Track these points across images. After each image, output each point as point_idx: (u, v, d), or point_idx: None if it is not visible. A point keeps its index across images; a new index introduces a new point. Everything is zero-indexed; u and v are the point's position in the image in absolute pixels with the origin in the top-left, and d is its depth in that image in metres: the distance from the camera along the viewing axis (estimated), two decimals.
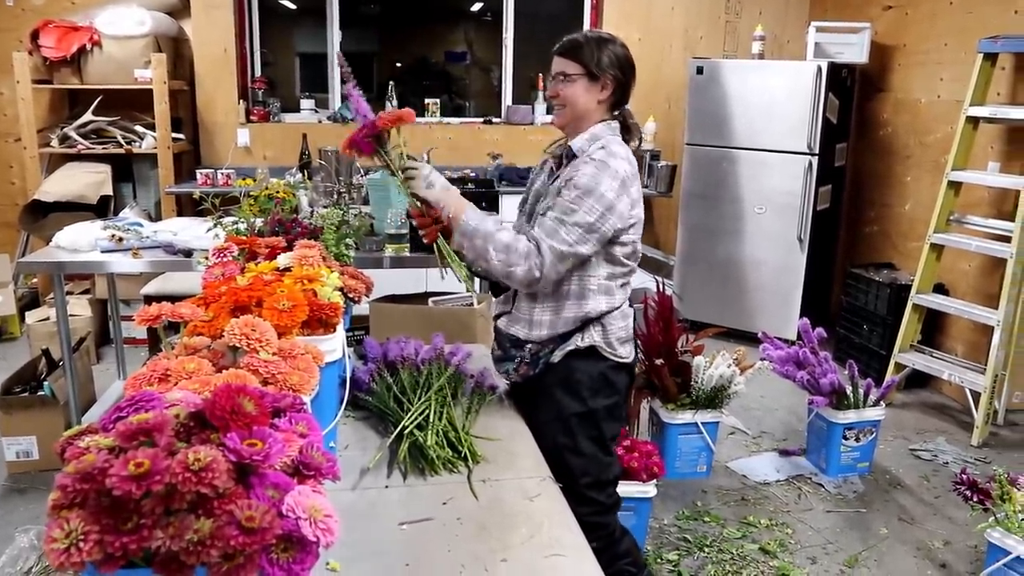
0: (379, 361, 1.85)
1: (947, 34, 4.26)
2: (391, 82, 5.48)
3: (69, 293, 4.31)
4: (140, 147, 4.72)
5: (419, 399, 1.70)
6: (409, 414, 1.65)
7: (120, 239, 3.07)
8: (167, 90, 4.62)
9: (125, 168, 4.91)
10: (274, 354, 1.16)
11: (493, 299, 2.06)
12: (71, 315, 3.80)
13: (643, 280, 3.98)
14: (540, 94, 5.43)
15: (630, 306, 1.95)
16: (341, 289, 1.51)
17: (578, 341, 1.85)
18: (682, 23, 5.41)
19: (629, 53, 1.88)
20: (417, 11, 7.52)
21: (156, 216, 4.71)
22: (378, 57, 7.69)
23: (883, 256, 4.77)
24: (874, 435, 3.28)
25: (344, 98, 5.41)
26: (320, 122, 5.28)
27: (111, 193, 4.65)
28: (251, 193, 2.38)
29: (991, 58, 3.74)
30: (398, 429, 1.63)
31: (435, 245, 1.82)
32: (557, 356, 1.86)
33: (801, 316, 3.82)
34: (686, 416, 3.09)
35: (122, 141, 4.71)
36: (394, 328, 2.33)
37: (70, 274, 4.16)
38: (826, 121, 4.56)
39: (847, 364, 3.34)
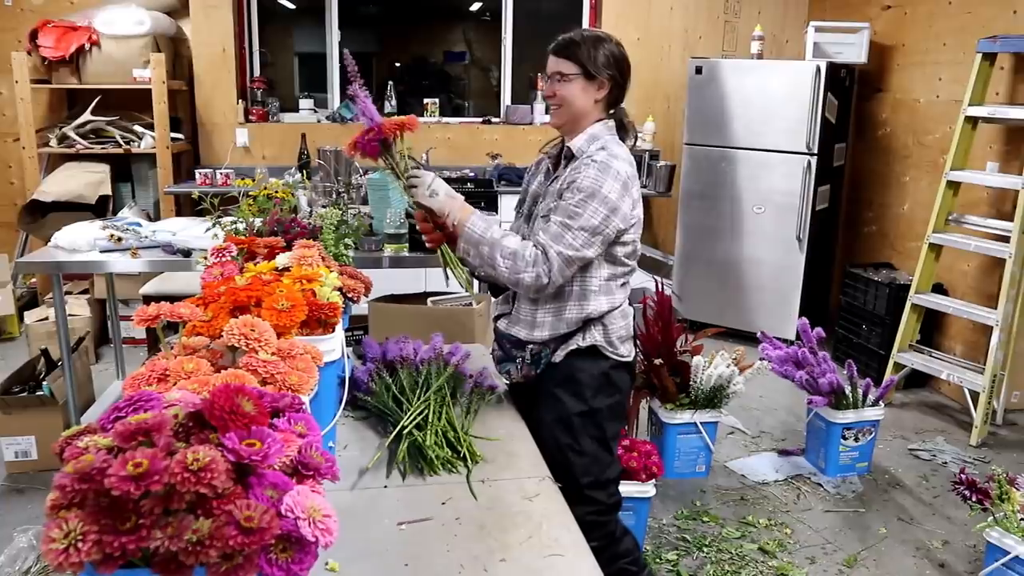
0: (378, 361, 1.85)
1: (946, 34, 4.26)
2: (390, 82, 5.49)
3: (68, 293, 4.31)
4: (139, 147, 4.72)
5: (418, 399, 1.70)
6: (408, 414, 1.65)
7: (119, 239, 3.07)
8: (166, 90, 4.62)
9: (124, 168, 4.91)
10: (273, 354, 1.16)
11: (492, 300, 2.06)
12: (70, 315, 3.80)
13: (642, 280, 3.98)
14: (539, 94, 5.43)
15: (630, 305, 1.95)
16: (340, 289, 1.51)
17: (579, 341, 1.85)
18: (681, 23, 5.41)
19: (625, 52, 1.87)
20: (416, 11, 7.52)
21: (155, 216, 4.70)
22: (377, 57, 7.69)
23: (882, 256, 4.77)
24: (873, 435, 3.28)
25: (349, 99, 5.41)
26: (319, 122, 5.28)
27: (110, 193, 4.64)
28: (250, 193, 2.38)
29: (990, 58, 3.74)
30: (397, 429, 1.63)
31: (439, 251, 1.82)
32: (558, 356, 1.87)
33: (800, 316, 3.82)
34: (685, 416, 3.10)
35: (121, 141, 4.71)
36: (393, 328, 2.33)
37: (69, 274, 4.15)
38: (825, 121, 4.56)
39: (846, 364, 3.34)
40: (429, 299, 2.83)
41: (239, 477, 0.81)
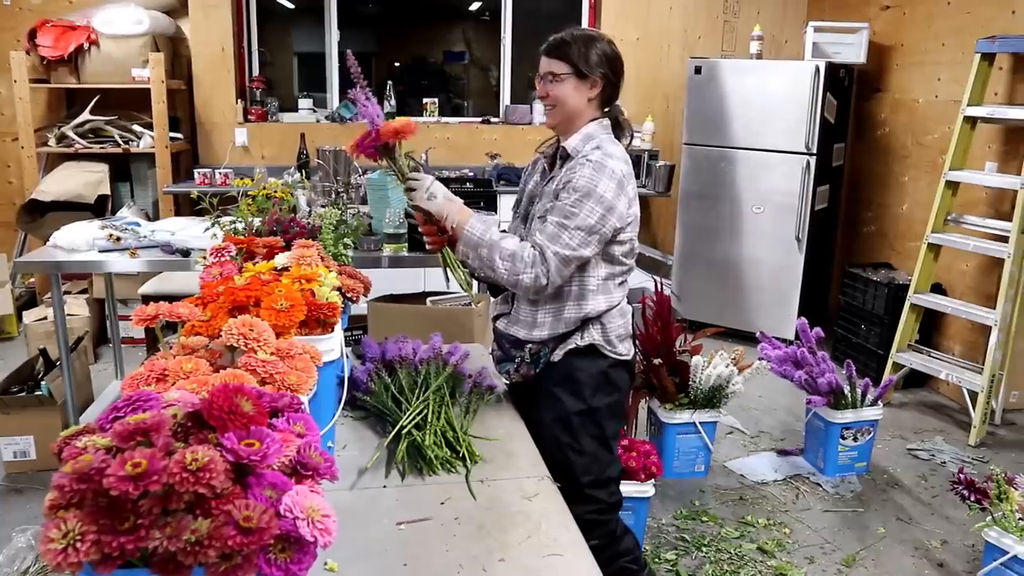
0: (377, 361, 1.85)
1: (945, 34, 4.27)
2: (389, 82, 5.48)
3: (67, 293, 4.31)
4: (138, 146, 4.72)
5: (417, 399, 1.70)
6: (407, 414, 1.65)
7: (118, 239, 3.07)
8: (165, 89, 4.62)
9: (123, 167, 4.91)
10: (272, 354, 1.16)
11: (492, 300, 2.06)
12: (69, 315, 3.79)
13: (641, 280, 3.98)
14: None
15: (629, 304, 1.95)
16: (339, 289, 1.51)
17: (578, 340, 1.85)
18: (680, 23, 5.41)
19: (617, 50, 1.87)
20: (415, 11, 7.52)
21: (154, 216, 4.70)
22: (376, 57, 7.69)
23: (881, 256, 4.78)
24: (872, 435, 3.28)
25: (349, 99, 5.40)
26: (318, 122, 5.28)
27: (109, 192, 4.64)
28: (249, 193, 2.37)
29: (989, 58, 3.75)
30: (396, 429, 1.63)
31: (440, 253, 1.83)
32: (557, 355, 1.87)
33: (799, 316, 3.82)
34: (684, 416, 3.10)
35: (120, 140, 4.71)
36: (392, 328, 2.33)
37: (68, 274, 4.15)
38: (824, 121, 4.56)
39: (845, 364, 3.34)
40: (428, 299, 2.83)
41: (238, 477, 0.81)
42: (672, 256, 5.16)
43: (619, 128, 1.90)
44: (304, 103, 5.41)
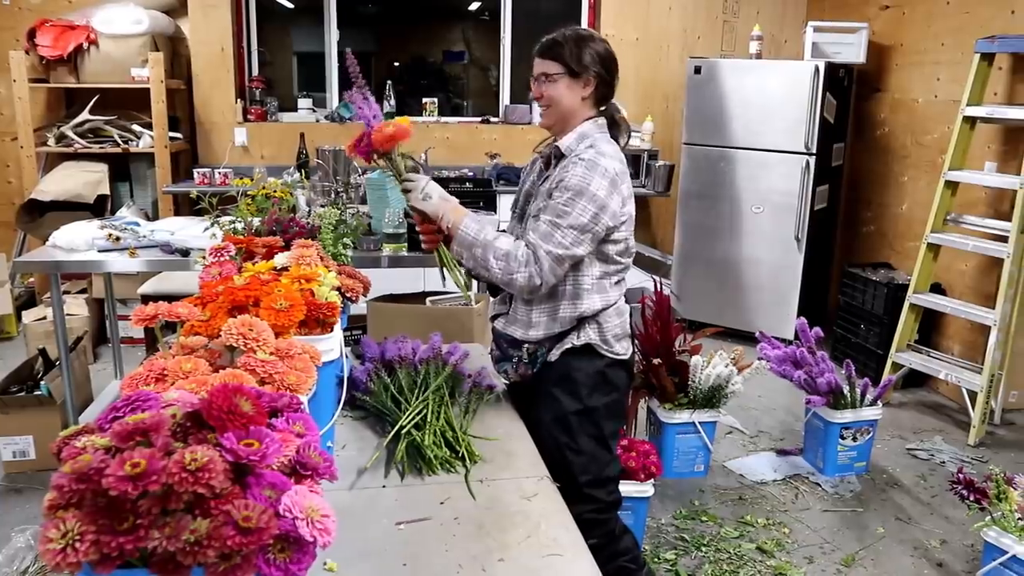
0: (377, 361, 1.85)
1: (944, 34, 4.27)
2: (389, 81, 5.48)
3: (66, 292, 4.30)
4: (137, 146, 4.71)
5: (417, 399, 1.70)
6: (407, 414, 1.65)
7: (117, 238, 3.06)
8: (164, 89, 4.61)
9: (122, 167, 4.91)
10: (271, 354, 1.16)
11: (491, 299, 2.06)
12: (68, 314, 3.79)
13: (641, 280, 3.98)
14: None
15: (626, 303, 1.95)
16: (338, 288, 1.51)
17: (574, 339, 1.85)
18: (680, 23, 5.41)
19: (610, 48, 1.87)
20: (415, 10, 7.52)
21: (153, 215, 4.70)
22: (376, 56, 7.69)
23: (880, 256, 4.78)
24: (871, 434, 3.28)
25: (349, 101, 5.39)
26: (318, 121, 5.28)
27: (108, 192, 4.64)
28: (248, 192, 2.37)
29: (988, 58, 3.75)
30: (396, 429, 1.63)
31: (436, 252, 1.83)
32: (554, 355, 1.87)
33: (798, 316, 3.82)
34: (684, 416, 3.10)
35: (119, 140, 4.70)
36: (392, 328, 2.33)
37: (67, 273, 4.15)
38: (823, 121, 4.56)
39: (844, 364, 3.34)
40: (428, 299, 2.83)
41: (237, 477, 0.81)
42: (671, 256, 5.16)
43: (615, 126, 1.90)
44: (303, 103, 5.41)
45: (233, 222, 2.21)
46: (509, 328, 1.91)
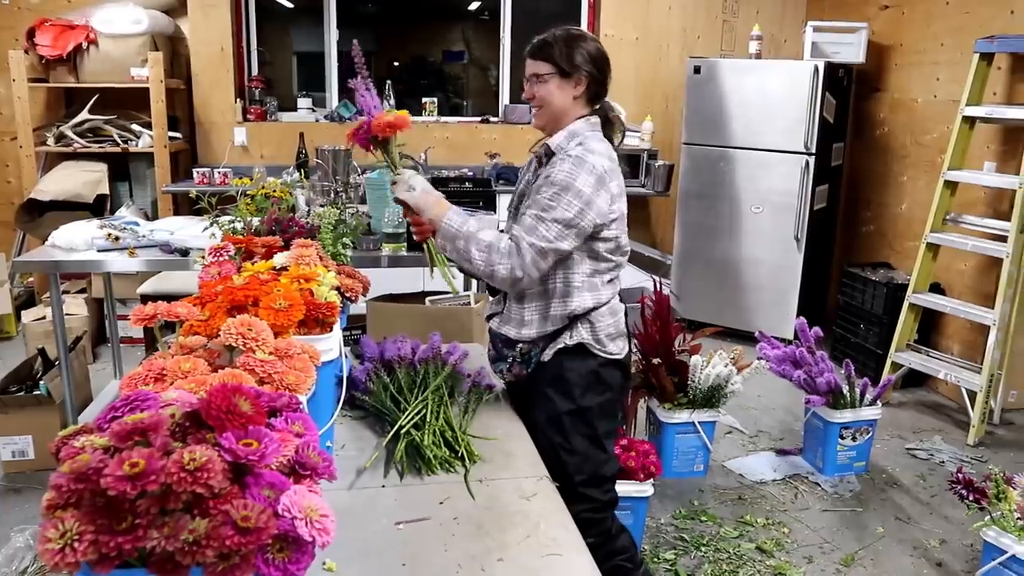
0: (376, 360, 1.85)
1: (944, 34, 4.27)
2: (388, 81, 5.48)
3: (65, 292, 4.30)
4: (137, 146, 4.71)
5: (416, 398, 1.70)
6: (406, 414, 1.65)
7: (116, 238, 3.06)
8: (164, 89, 4.61)
9: (121, 167, 4.90)
10: (270, 353, 1.16)
11: (490, 299, 2.06)
12: (67, 314, 3.79)
13: (640, 279, 3.98)
14: None
15: (621, 301, 1.94)
16: (338, 288, 1.51)
17: (567, 339, 1.85)
18: (679, 23, 5.41)
19: (601, 47, 1.88)
20: (415, 10, 7.52)
21: (153, 215, 4.70)
22: (376, 56, 7.69)
23: (879, 255, 4.78)
24: (870, 434, 3.28)
25: (348, 97, 5.40)
26: (317, 121, 5.27)
27: (107, 192, 4.64)
28: (248, 192, 2.37)
29: (987, 58, 3.75)
30: (395, 428, 1.63)
31: (425, 245, 1.84)
32: (547, 355, 1.87)
33: (798, 315, 3.82)
34: (683, 415, 3.10)
35: (119, 140, 4.70)
36: (391, 327, 2.33)
37: (66, 273, 4.15)
38: (823, 121, 4.56)
39: (844, 363, 3.35)
40: (427, 299, 2.83)
41: (236, 477, 0.81)
42: (671, 256, 5.16)
43: (609, 125, 1.90)
44: (303, 102, 5.41)
45: (232, 222, 2.21)
46: (503, 328, 1.91)
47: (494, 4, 5.57)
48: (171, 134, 4.76)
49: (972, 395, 3.70)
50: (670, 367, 3.07)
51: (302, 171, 3.75)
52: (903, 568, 2.68)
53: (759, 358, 3.31)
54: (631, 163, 5.03)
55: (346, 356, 1.54)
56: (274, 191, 2.40)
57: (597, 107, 1.90)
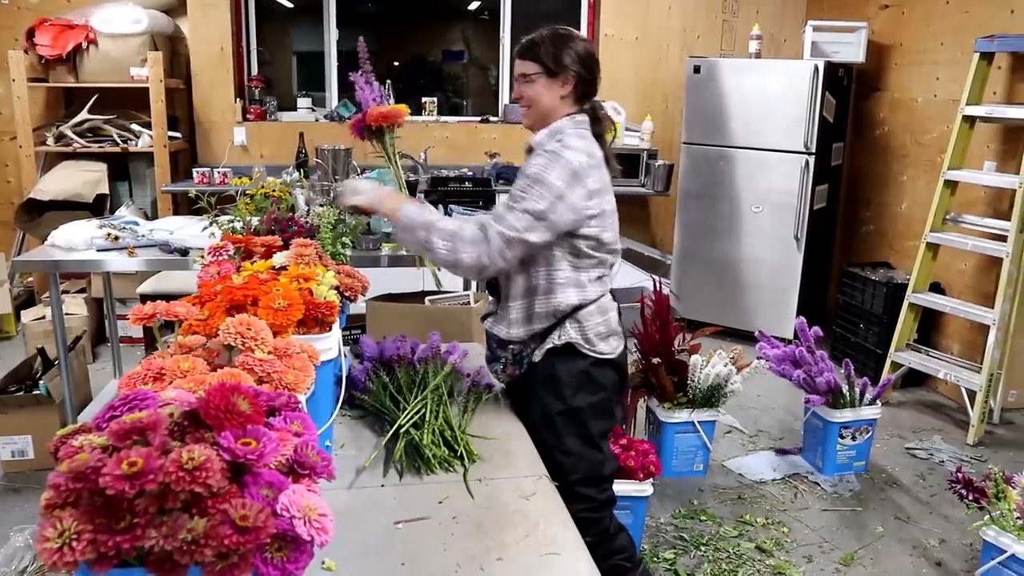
0: (375, 360, 1.85)
1: (944, 33, 4.27)
2: (388, 81, 5.48)
3: (65, 292, 4.30)
4: (136, 146, 4.71)
5: (415, 398, 1.70)
6: (405, 413, 1.65)
7: (116, 238, 3.06)
8: (163, 88, 4.61)
9: (121, 167, 4.90)
10: (269, 353, 1.16)
11: (489, 299, 2.06)
12: (67, 314, 3.79)
13: (640, 279, 3.98)
14: None
15: (614, 300, 1.94)
16: (337, 288, 1.51)
17: (555, 339, 1.85)
18: (679, 22, 5.41)
19: (589, 46, 1.89)
20: (414, 10, 7.52)
21: (152, 215, 4.70)
22: (375, 56, 7.68)
23: (879, 255, 4.78)
24: (870, 434, 3.28)
25: (348, 97, 5.40)
26: (317, 121, 5.27)
27: (107, 192, 4.63)
28: (247, 192, 2.37)
29: (987, 57, 3.75)
30: (394, 428, 1.63)
31: None
32: (538, 355, 1.87)
33: (798, 315, 3.82)
34: (683, 415, 3.10)
35: (118, 140, 4.70)
36: (390, 327, 2.33)
37: (66, 273, 4.14)
38: (823, 120, 4.56)
39: (843, 363, 3.35)
40: (427, 298, 2.82)
41: (234, 476, 0.81)
42: (671, 255, 5.16)
43: (598, 123, 1.90)
44: (303, 102, 5.41)
45: (232, 221, 2.21)
46: (496, 328, 1.91)
47: (494, 4, 5.57)
48: (171, 134, 4.76)
49: (972, 395, 3.70)
50: (670, 367, 3.07)
51: (302, 171, 3.75)
52: (903, 567, 2.68)
53: (759, 358, 3.31)
54: (631, 163, 5.03)
55: (345, 355, 1.54)
56: (274, 191, 2.40)
57: (586, 106, 1.89)
